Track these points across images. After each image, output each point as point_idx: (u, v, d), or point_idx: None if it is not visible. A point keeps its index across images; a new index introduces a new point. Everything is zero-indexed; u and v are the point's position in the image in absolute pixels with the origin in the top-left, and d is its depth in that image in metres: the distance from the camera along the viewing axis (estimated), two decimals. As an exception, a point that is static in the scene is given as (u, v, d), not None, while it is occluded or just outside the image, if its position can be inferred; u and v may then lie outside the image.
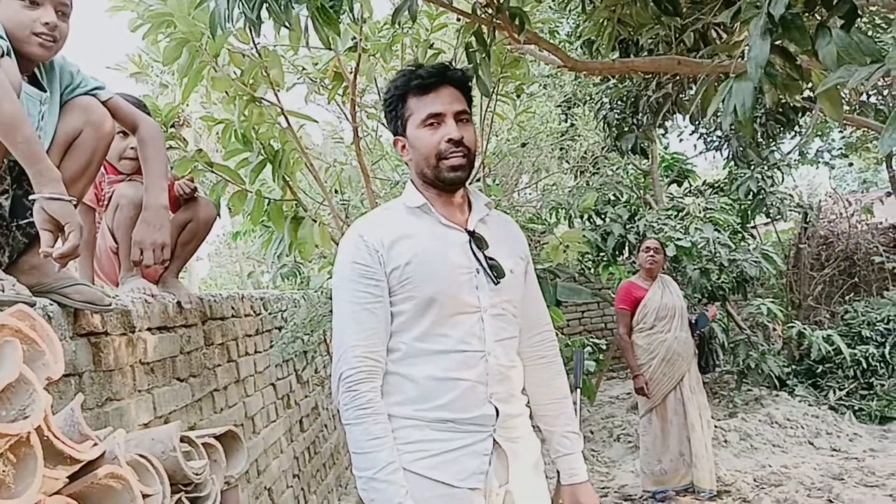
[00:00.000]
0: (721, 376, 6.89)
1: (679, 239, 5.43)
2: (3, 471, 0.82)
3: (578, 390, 2.72)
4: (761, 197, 6.72)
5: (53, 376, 0.91)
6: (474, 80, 2.61)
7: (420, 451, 1.51)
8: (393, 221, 1.61)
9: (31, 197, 1.59)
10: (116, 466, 1.05)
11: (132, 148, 2.59)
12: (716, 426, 5.51)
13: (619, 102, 4.33)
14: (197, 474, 1.32)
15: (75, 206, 1.66)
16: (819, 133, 9.40)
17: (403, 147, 1.64)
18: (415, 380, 1.53)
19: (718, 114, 1.88)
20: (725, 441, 5.46)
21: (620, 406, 7.17)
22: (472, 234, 1.61)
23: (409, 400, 1.53)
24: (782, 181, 7.04)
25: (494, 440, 1.54)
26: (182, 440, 1.36)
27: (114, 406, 1.96)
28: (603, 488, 4.93)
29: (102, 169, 2.74)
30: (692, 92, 3.61)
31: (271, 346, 3.73)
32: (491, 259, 1.59)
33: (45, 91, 1.81)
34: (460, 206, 1.66)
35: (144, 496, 1.09)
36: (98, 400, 1.89)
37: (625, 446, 5.87)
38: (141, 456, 1.19)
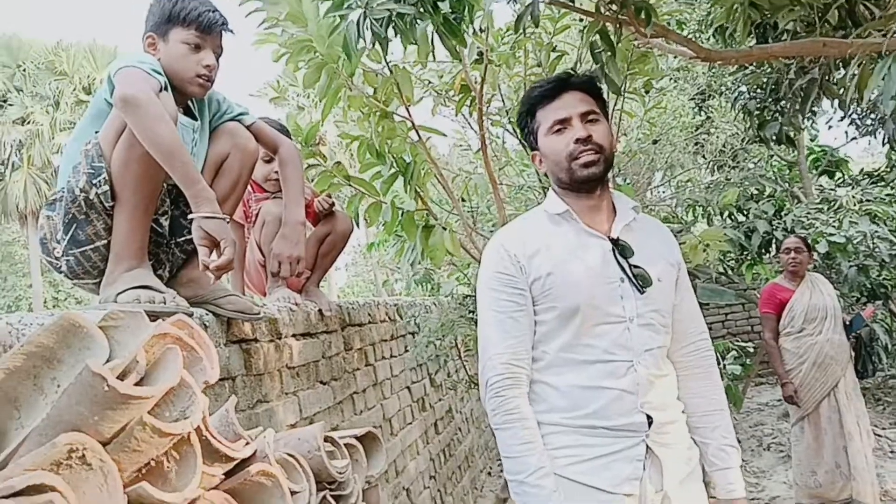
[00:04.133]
0: (885, 381, 6.29)
1: (831, 234, 5.01)
2: (168, 467, 0.90)
3: None
4: (926, 184, 6.10)
5: (210, 380, 0.99)
6: (603, 80, 2.56)
7: (571, 457, 1.50)
8: (533, 231, 1.61)
9: (189, 216, 1.74)
10: (267, 464, 1.12)
11: (276, 171, 2.77)
12: (880, 436, 5.04)
13: (759, 90, 4.07)
14: (340, 473, 1.39)
15: (227, 222, 1.80)
16: None
17: (540, 161, 1.65)
18: (560, 388, 1.52)
19: (874, 97, 1.73)
20: (893, 452, 4.98)
21: (770, 413, 6.73)
22: (615, 241, 1.57)
23: (556, 408, 1.52)
24: (953, 165, 6.34)
25: (648, 446, 1.50)
26: (325, 440, 1.43)
27: (264, 408, 2.10)
28: (753, 499, 4.65)
29: (249, 188, 2.95)
30: (840, 74, 3.34)
31: (406, 351, 3.84)
32: (636, 267, 1.54)
33: (197, 120, 1.98)
34: (604, 211, 1.62)
35: (292, 493, 1.16)
36: (250, 402, 2.03)
37: (776, 456, 5.51)
38: (289, 455, 1.26)
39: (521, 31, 2.48)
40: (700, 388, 1.65)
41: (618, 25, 2.27)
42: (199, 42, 1.89)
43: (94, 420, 0.87)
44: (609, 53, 2.53)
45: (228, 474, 1.09)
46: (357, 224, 3.16)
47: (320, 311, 2.71)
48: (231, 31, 1.97)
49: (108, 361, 0.92)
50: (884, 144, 5.36)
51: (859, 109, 4.96)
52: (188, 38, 1.88)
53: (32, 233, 19.53)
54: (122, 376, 0.89)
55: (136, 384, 0.90)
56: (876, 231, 5.13)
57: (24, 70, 21.03)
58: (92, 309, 1.62)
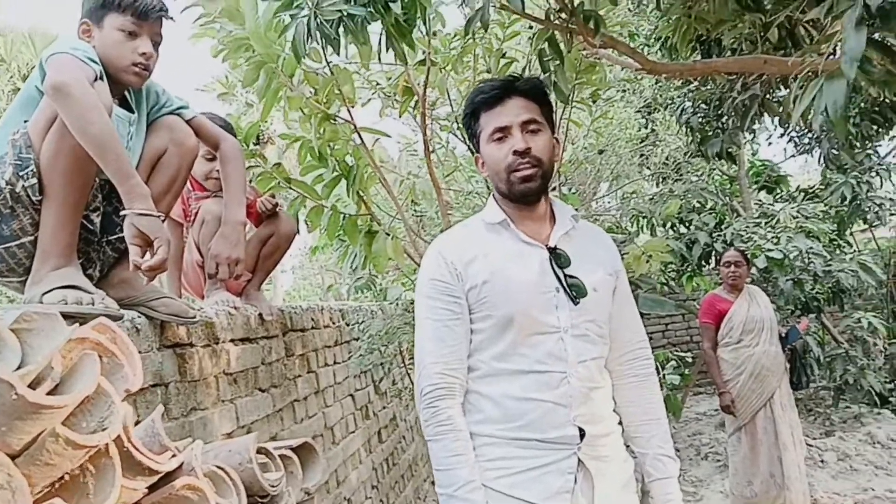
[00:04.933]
0: (816, 392, 6.51)
1: (770, 250, 5.17)
2: (84, 481, 0.84)
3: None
4: (857, 202, 6.36)
5: (132, 388, 0.93)
6: (551, 88, 2.57)
7: (502, 469, 1.48)
8: (471, 239, 1.59)
9: (121, 213, 1.66)
10: (194, 478, 1.06)
11: (217, 170, 2.68)
12: (811, 445, 5.21)
13: (703, 105, 4.17)
14: (273, 486, 1.33)
15: (163, 221, 1.72)
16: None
17: (483, 164, 1.63)
18: (493, 399, 1.50)
19: (810, 115, 1.77)
20: (822, 461, 5.15)
21: (708, 423, 6.88)
22: (552, 250, 1.55)
23: (490, 419, 1.50)
24: (881, 185, 6.62)
25: (579, 459, 1.48)
26: (259, 452, 1.37)
27: (198, 416, 2.02)
28: (690, 508, 4.73)
29: (189, 186, 2.85)
30: (781, 93, 3.44)
31: (350, 358, 3.78)
32: (572, 277, 1.52)
33: (134, 112, 1.90)
34: (543, 219, 1.60)
35: (221, 507, 1.10)
36: (183, 410, 1.95)
37: (713, 465, 5.63)
38: (218, 467, 1.20)
39: (470, 34, 2.47)
40: (636, 398, 1.64)
41: (567, 34, 2.28)
42: (136, 29, 1.81)
43: (2, 431, 0.80)
44: (557, 62, 2.54)
45: (152, 488, 1.03)
46: (299, 228, 3.09)
47: (260, 315, 2.63)
48: (171, 18, 1.89)
49: (19, 367, 0.85)
50: (819, 163, 5.57)
51: (798, 127, 5.14)
52: (123, 25, 1.80)
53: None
54: (34, 384, 0.83)
55: (50, 392, 0.83)
56: (811, 247, 5.31)
57: (-45, 56, 20.12)
58: (13, 309, 1.53)
